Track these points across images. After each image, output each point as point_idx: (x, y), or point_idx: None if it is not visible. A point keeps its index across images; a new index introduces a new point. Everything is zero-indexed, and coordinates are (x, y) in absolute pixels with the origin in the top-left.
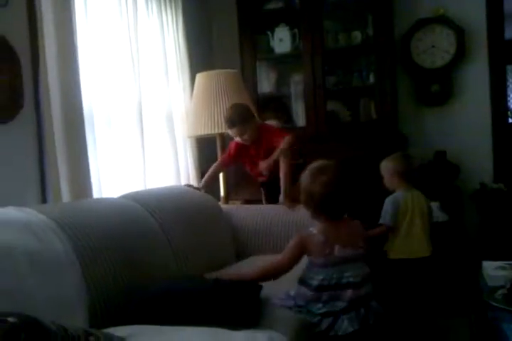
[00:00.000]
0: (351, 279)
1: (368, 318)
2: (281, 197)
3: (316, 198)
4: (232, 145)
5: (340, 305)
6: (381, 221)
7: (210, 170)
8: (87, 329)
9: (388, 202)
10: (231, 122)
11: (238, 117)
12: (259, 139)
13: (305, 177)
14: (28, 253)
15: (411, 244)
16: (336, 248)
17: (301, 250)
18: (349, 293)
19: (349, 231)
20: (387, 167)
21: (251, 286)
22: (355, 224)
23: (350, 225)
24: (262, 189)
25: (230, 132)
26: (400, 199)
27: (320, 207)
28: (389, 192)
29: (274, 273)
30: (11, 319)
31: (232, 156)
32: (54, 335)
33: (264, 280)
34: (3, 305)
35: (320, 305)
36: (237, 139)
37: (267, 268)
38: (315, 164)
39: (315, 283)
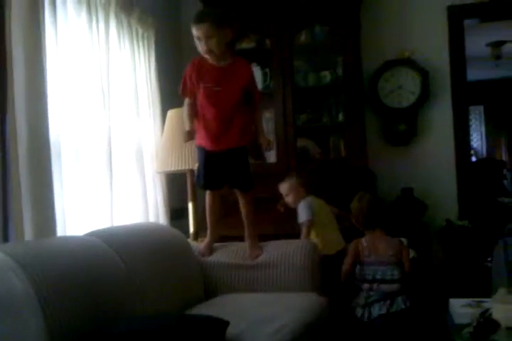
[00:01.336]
0: (382, 277)
1: (392, 308)
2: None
3: (364, 212)
4: (188, 72)
5: (373, 294)
6: None
7: (188, 113)
8: None
9: None
10: (202, 16)
11: (214, 14)
12: (230, 68)
13: (354, 202)
14: None
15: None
16: (373, 253)
17: (356, 251)
18: (380, 286)
19: (385, 243)
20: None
21: (216, 323)
22: (394, 240)
23: (388, 240)
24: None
25: (195, 32)
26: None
27: (366, 221)
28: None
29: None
30: None
31: (192, 84)
32: None
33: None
34: None
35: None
36: (199, 48)
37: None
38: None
39: (358, 276)
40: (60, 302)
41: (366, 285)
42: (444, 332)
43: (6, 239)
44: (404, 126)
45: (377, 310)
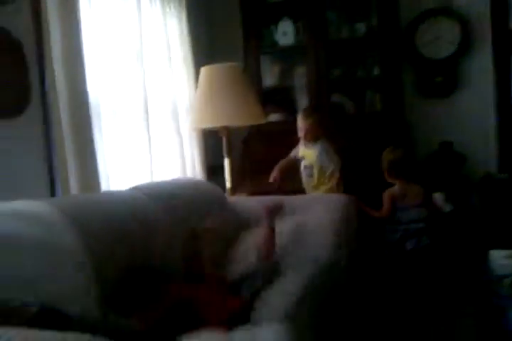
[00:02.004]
0: (413, 218)
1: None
2: None
3: (398, 163)
4: None
5: (408, 232)
6: None
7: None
8: (103, 317)
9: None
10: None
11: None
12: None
13: (386, 154)
14: (39, 245)
15: None
16: (406, 198)
17: (391, 198)
18: (411, 225)
19: (413, 189)
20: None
21: None
22: (417, 186)
23: (413, 186)
24: None
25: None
26: None
27: (399, 172)
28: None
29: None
30: (32, 308)
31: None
32: (72, 322)
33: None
34: (18, 294)
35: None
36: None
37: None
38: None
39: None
40: (108, 253)
41: (401, 227)
42: (484, 283)
43: (53, 194)
44: (443, 78)
45: (408, 245)
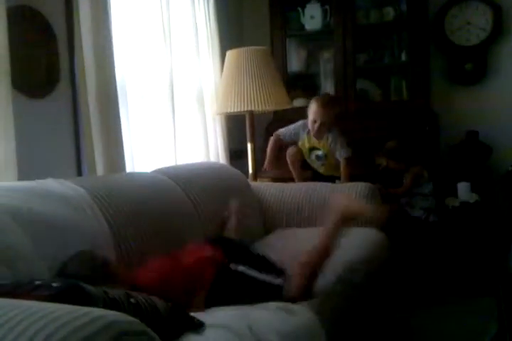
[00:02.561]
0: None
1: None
2: None
3: (391, 152)
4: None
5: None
6: None
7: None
8: (127, 292)
9: None
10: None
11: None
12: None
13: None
14: (67, 224)
15: None
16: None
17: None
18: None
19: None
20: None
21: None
22: (418, 167)
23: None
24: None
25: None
26: None
27: (396, 159)
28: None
29: None
30: (55, 284)
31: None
32: (96, 298)
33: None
34: (44, 271)
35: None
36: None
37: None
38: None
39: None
40: (130, 233)
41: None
42: (507, 274)
43: (79, 174)
44: (472, 65)
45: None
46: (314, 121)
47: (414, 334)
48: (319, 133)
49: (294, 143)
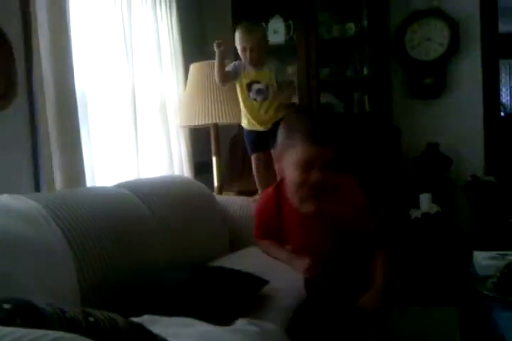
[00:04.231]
0: None
1: None
2: None
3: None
4: None
5: None
6: None
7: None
8: (85, 310)
9: None
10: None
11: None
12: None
13: None
14: (21, 240)
15: None
16: None
17: None
18: None
19: None
20: None
21: (255, 281)
22: None
23: None
24: None
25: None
26: None
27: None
28: None
29: None
30: (6, 305)
31: None
32: (50, 319)
33: None
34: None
35: None
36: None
37: None
38: None
39: None
40: (90, 248)
41: None
42: (468, 284)
43: (37, 190)
44: (432, 80)
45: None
46: (244, 49)
47: None
48: (255, 61)
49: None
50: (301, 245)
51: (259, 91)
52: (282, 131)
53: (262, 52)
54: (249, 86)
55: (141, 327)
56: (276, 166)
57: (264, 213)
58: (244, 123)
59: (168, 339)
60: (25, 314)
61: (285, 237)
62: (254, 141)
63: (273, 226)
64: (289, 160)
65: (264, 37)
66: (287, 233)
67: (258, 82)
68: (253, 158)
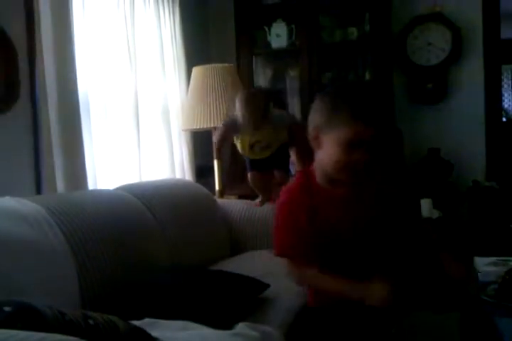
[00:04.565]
0: None
1: None
2: None
3: None
4: None
5: None
6: None
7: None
8: (85, 312)
9: None
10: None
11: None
12: None
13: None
14: (23, 242)
15: None
16: None
17: None
18: None
19: None
20: None
21: (257, 285)
22: None
23: None
24: None
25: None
26: None
27: None
28: None
29: None
30: (6, 308)
31: None
32: (50, 321)
33: None
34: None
35: None
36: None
37: None
38: None
39: None
40: (91, 251)
41: None
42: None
43: (39, 192)
44: (433, 85)
45: None
46: (244, 116)
47: None
48: (255, 126)
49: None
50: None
51: (262, 148)
52: (322, 108)
53: (259, 118)
54: (251, 146)
55: (140, 330)
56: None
57: (295, 214)
58: (241, 152)
59: None
60: (25, 317)
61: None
62: (251, 162)
63: (309, 230)
64: (334, 139)
65: (265, 104)
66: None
67: (259, 141)
68: (249, 174)
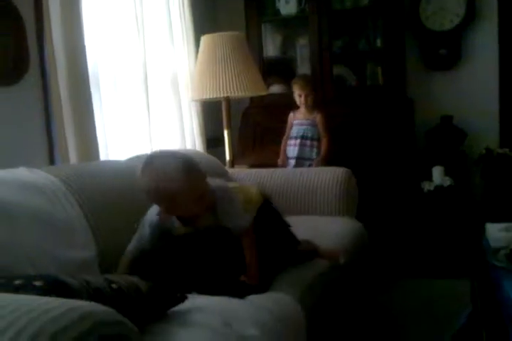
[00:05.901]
0: None
1: None
2: None
3: None
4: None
5: None
6: None
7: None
8: (107, 278)
9: None
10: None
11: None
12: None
13: None
14: (37, 214)
15: None
16: None
17: None
18: None
19: None
20: None
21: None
22: None
23: None
24: None
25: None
26: None
27: None
28: None
29: None
30: (37, 283)
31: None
32: (79, 292)
33: None
34: (21, 260)
35: None
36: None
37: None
38: None
39: None
40: (106, 220)
41: None
42: (480, 256)
43: (52, 163)
44: (446, 51)
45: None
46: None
47: (394, 315)
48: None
49: None
50: None
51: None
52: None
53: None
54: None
55: (161, 288)
56: None
57: None
58: None
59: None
60: (56, 290)
61: None
62: None
63: None
64: None
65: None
66: None
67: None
68: None
